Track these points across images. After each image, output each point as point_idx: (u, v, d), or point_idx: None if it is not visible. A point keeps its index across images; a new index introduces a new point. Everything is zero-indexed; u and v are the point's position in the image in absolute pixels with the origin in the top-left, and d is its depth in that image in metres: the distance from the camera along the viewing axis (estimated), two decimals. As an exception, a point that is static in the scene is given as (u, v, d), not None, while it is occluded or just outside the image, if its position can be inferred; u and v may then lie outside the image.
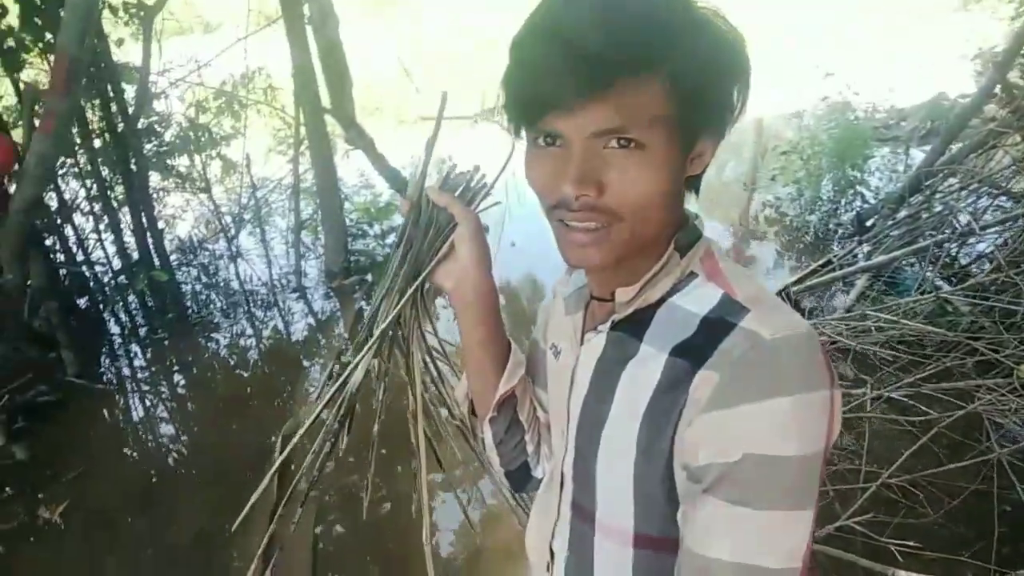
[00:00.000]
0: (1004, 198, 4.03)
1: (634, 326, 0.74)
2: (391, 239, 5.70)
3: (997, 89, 4.56)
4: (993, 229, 3.68)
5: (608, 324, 0.76)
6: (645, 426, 0.69)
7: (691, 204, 0.76)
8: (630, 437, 0.71)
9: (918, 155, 5.54)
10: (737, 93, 0.67)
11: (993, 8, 4.24)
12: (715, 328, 0.66)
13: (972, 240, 3.79)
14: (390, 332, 0.91)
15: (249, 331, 4.67)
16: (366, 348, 0.89)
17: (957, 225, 3.84)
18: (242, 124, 4.97)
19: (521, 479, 1.03)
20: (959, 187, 4.26)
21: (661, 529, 0.73)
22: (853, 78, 5.74)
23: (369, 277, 5.06)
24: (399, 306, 0.89)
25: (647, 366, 0.70)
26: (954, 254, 3.86)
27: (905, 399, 2.68)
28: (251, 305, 4.93)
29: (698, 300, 0.70)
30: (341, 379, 0.90)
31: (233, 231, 5.73)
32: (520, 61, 0.64)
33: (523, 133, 0.71)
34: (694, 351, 0.66)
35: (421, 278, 0.89)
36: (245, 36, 4.99)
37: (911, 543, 2.10)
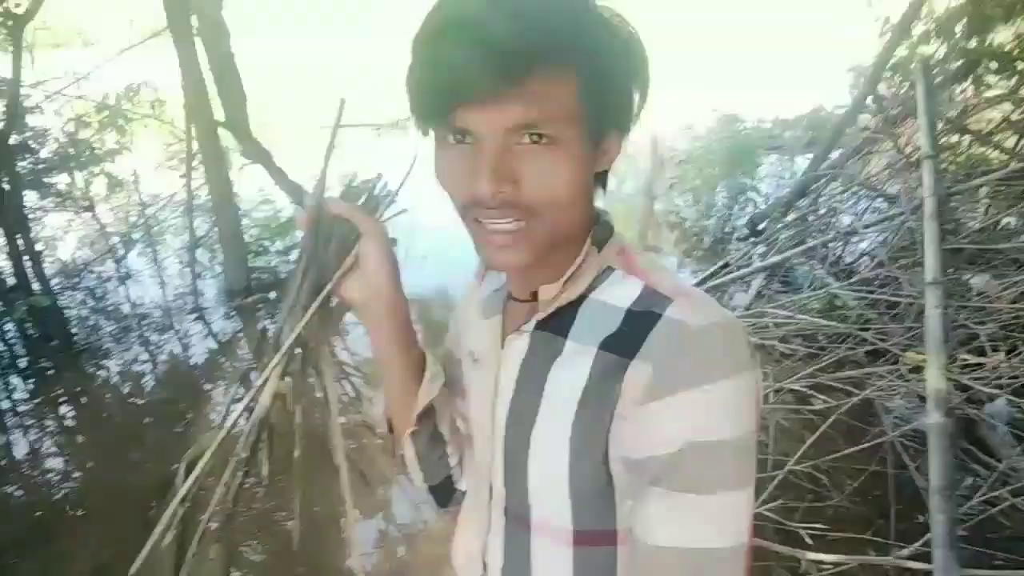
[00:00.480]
0: (881, 199, 4.33)
1: (557, 324, 0.73)
2: (294, 255, 5.51)
3: (869, 100, 4.93)
4: (873, 228, 3.94)
5: (532, 324, 0.75)
6: (578, 423, 0.69)
7: (598, 201, 0.76)
8: (562, 435, 0.70)
9: (803, 162, 5.89)
10: (638, 90, 0.68)
11: (865, 26, 4.56)
12: (641, 320, 0.66)
13: (855, 239, 4.05)
14: (297, 351, 0.88)
15: (143, 356, 4.40)
16: (270, 368, 0.85)
17: (841, 226, 4.09)
18: (128, 139, 4.70)
19: (445, 494, 1.00)
20: (841, 190, 4.55)
21: (599, 522, 0.73)
22: (740, 91, 6.06)
23: (272, 295, 4.88)
24: (303, 322, 0.84)
25: (575, 362, 0.70)
26: (840, 253, 4.10)
27: (804, 389, 2.81)
28: (144, 329, 4.65)
29: (619, 294, 0.71)
30: (246, 402, 0.86)
31: (122, 251, 5.40)
32: (427, 56, 0.62)
33: (431, 133, 0.68)
34: (623, 344, 0.66)
35: (325, 292, 0.85)
36: (128, 47, 4.73)
37: (818, 525, 2.20)
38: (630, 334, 0.66)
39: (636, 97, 0.69)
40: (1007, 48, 4.12)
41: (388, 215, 0.89)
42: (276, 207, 6.41)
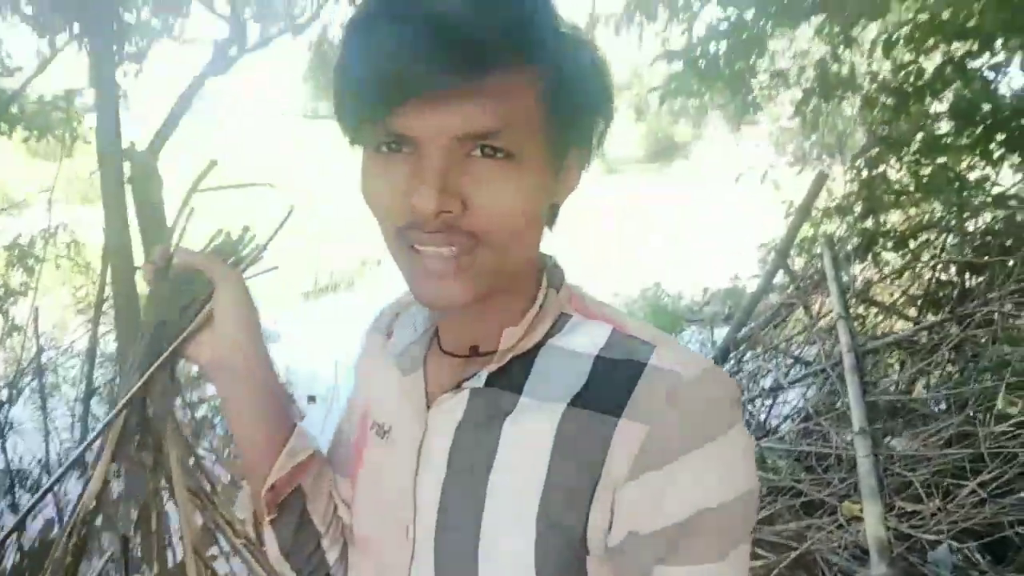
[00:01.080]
0: (800, 364, 4.46)
1: (506, 377, 0.62)
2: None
3: (781, 273, 5.25)
4: (798, 384, 4.01)
5: (481, 378, 0.62)
6: (547, 500, 0.58)
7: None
8: (527, 511, 0.58)
9: (721, 333, 6.10)
10: (603, 110, 0.60)
11: (774, 206, 4.98)
12: (620, 370, 0.58)
13: (779, 398, 4.09)
14: (134, 427, 0.73)
15: (8, 521, 3.86)
16: (87, 442, 0.72)
17: (764, 386, 4.15)
18: (35, 280, 4.45)
19: None
20: (762, 355, 4.67)
21: None
22: (661, 264, 6.39)
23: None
24: (135, 388, 0.70)
25: (534, 422, 0.59)
26: (766, 413, 4.12)
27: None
28: (17, 487, 4.14)
29: (582, 340, 0.62)
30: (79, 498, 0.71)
31: (5, 401, 4.92)
32: (361, 43, 0.52)
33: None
34: (601, 399, 0.57)
35: (166, 354, 0.71)
36: (51, 189, 4.62)
37: None
38: (608, 387, 0.57)
39: (601, 113, 0.60)
40: (900, 228, 4.51)
41: (254, 272, 0.78)
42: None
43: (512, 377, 0.62)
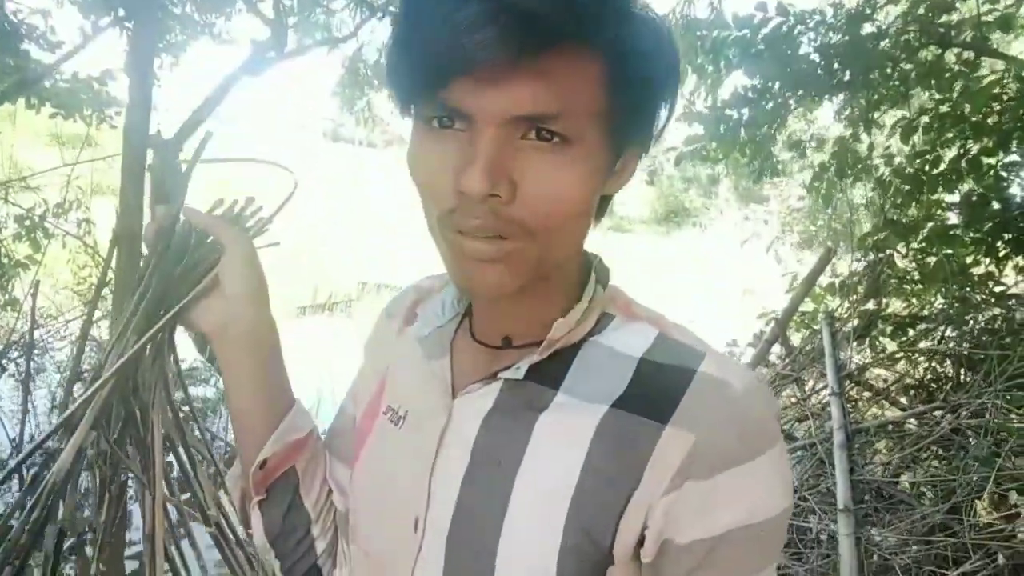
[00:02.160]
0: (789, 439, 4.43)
1: (543, 371, 0.59)
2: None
3: (777, 345, 5.25)
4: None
5: (515, 370, 0.59)
6: (580, 499, 0.55)
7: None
8: (555, 514, 0.56)
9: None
10: (667, 104, 0.57)
11: (774, 280, 5.00)
12: (667, 375, 0.56)
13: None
14: (125, 391, 0.69)
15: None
16: (73, 406, 0.64)
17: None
18: (40, 254, 4.44)
19: None
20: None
21: None
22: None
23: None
24: (129, 353, 0.66)
25: (572, 420, 0.57)
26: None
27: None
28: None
29: (626, 340, 0.60)
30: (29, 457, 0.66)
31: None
32: (422, 12, 0.49)
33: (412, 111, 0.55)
34: (647, 403, 0.55)
35: (169, 316, 0.68)
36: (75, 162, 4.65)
37: None
38: (654, 391, 0.56)
39: (666, 102, 0.56)
40: (900, 315, 4.53)
41: (257, 245, 0.75)
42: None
43: (550, 372, 0.59)
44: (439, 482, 0.61)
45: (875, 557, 2.64)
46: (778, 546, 0.57)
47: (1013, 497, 2.91)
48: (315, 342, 8.14)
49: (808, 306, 4.99)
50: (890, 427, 3.57)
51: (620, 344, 0.60)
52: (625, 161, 0.57)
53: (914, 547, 2.63)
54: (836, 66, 3.66)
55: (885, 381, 4.68)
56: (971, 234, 4.16)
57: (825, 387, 4.08)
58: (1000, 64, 3.94)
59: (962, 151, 4.15)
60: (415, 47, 0.50)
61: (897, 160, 4.37)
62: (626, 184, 0.59)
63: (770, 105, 3.65)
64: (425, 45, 0.48)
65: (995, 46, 4.05)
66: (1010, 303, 4.10)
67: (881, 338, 4.65)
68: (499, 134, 0.49)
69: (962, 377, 3.85)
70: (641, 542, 0.55)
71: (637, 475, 0.54)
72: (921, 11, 3.78)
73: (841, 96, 4.05)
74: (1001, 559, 2.35)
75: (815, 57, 3.71)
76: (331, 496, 0.77)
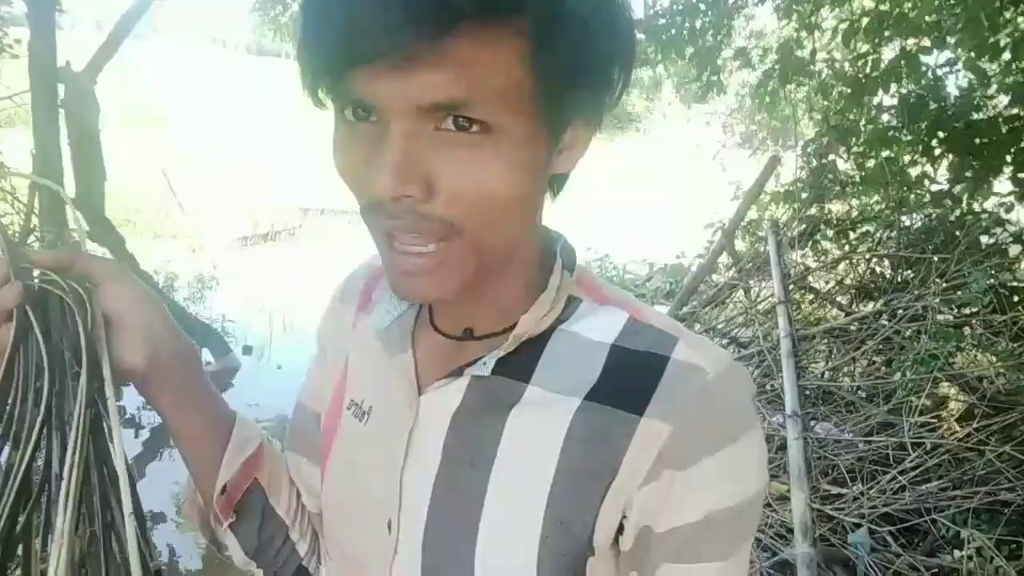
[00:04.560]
0: (735, 345, 4.58)
1: (511, 364, 0.56)
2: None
3: (724, 255, 5.36)
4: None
5: (481, 365, 0.56)
6: (557, 493, 0.54)
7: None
8: (532, 510, 0.54)
9: (662, 309, 6.22)
10: (618, 69, 0.51)
11: (721, 187, 5.04)
12: (640, 362, 0.54)
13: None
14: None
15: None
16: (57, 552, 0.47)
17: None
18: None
19: None
20: (701, 334, 4.78)
21: None
22: (609, 241, 6.45)
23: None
24: (76, 454, 0.50)
25: (544, 415, 0.55)
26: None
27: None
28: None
29: (596, 326, 0.57)
30: None
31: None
32: (320, 1, 0.45)
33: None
34: (621, 393, 0.53)
35: (108, 381, 0.55)
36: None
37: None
38: (627, 380, 0.54)
39: (614, 73, 0.51)
40: (841, 218, 4.64)
41: None
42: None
43: (519, 364, 0.57)
44: (411, 483, 0.60)
45: (821, 459, 2.78)
46: (755, 524, 0.57)
47: (949, 392, 3.09)
48: (261, 273, 7.96)
49: (752, 213, 5.06)
50: (835, 332, 3.70)
51: (590, 331, 0.57)
52: (574, 137, 0.52)
53: (859, 445, 2.78)
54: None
55: (827, 283, 4.84)
56: (907, 135, 4.23)
57: (771, 293, 4.21)
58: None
59: (902, 49, 4.16)
60: (315, 35, 0.46)
61: (838, 65, 4.36)
62: (580, 159, 0.55)
63: (711, 14, 3.55)
64: (324, 33, 0.45)
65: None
66: (944, 202, 4.24)
67: (823, 242, 4.78)
68: (408, 127, 0.45)
69: (899, 276, 4.00)
70: (620, 531, 0.55)
71: (614, 467, 0.53)
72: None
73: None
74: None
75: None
76: (302, 497, 0.74)
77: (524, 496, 0.55)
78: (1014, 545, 2.14)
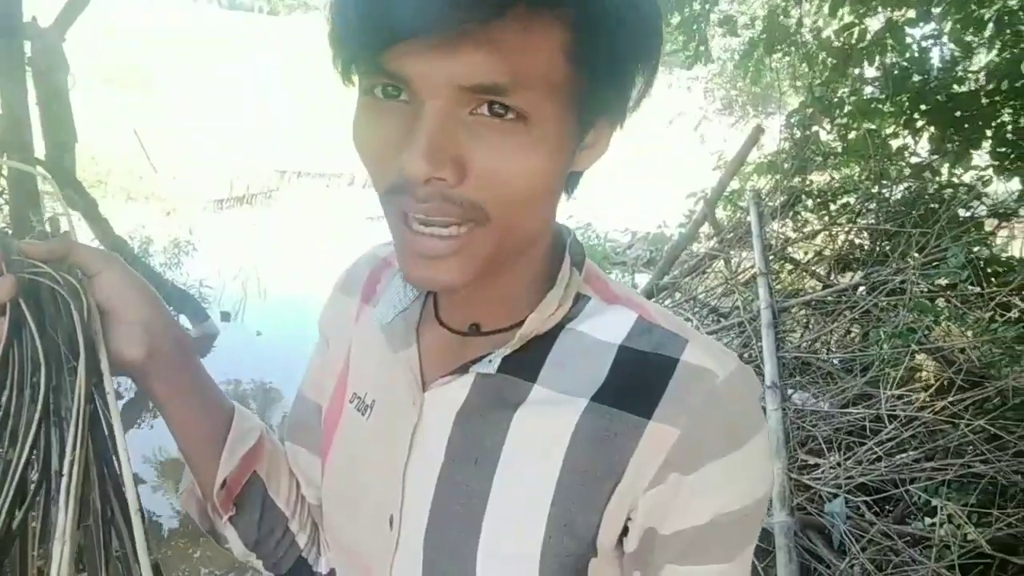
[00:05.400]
0: (715, 315, 4.62)
1: (518, 363, 0.56)
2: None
3: (706, 225, 5.38)
4: (712, 335, 4.15)
5: (487, 363, 0.55)
6: (562, 494, 0.54)
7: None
8: (537, 510, 0.54)
9: (642, 279, 6.24)
10: (644, 72, 0.50)
11: (705, 158, 5.03)
12: (648, 364, 0.54)
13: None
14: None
15: None
16: (62, 545, 0.46)
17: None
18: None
19: None
20: (681, 303, 4.81)
21: None
22: (591, 210, 6.43)
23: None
24: (77, 450, 0.49)
25: (550, 416, 0.55)
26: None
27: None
28: None
29: (604, 326, 0.56)
30: None
31: None
32: None
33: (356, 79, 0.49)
34: (629, 396, 0.53)
35: (107, 375, 0.54)
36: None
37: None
38: (635, 382, 0.53)
39: (639, 82, 0.51)
40: (823, 189, 4.66)
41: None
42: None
43: (525, 363, 0.56)
44: (413, 480, 0.59)
45: (799, 429, 2.83)
46: (759, 525, 0.57)
47: (925, 365, 3.15)
48: (237, 236, 7.85)
49: (734, 183, 5.07)
50: (814, 303, 3.74)
51: (598, 330, 0.56)
52: (597, 135, 0.52)
53: (837, 416, 2.83)
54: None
55: (806, 253, 4.89)
56: (890, 107, 4.24)
57: (751, 263, 4.24)
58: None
59: (888, 20, 4.15)
60: (357, 6, 0.44)
61: (824, 35, 4.34)
62: (599, 158, 0.54)
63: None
64: (368, 5, 0.44)
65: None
66: (924, 175, 4.28)
67: (804, 213, 4.81)
68: (445, 108, 0.44)
69: (878, 248, 4.04)
70: (624, 532, 0.55)
71: (620, 470, 0.53)
72: None
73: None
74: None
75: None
76: (301, 488, 0.74)
77: (528, 496, 0.55)
78: (985, 515, 2.20)
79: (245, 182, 9.80)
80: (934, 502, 2.27)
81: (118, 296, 0.57)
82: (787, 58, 4.66)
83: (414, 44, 0.42)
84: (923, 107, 4.20)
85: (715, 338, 4.12)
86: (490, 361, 0.55)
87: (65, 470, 0.49)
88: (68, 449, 0.49)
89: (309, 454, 0.72)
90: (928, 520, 2.33)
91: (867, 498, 2.38)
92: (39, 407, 0.50)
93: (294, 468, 0.74)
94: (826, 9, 4.08)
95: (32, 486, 0.49)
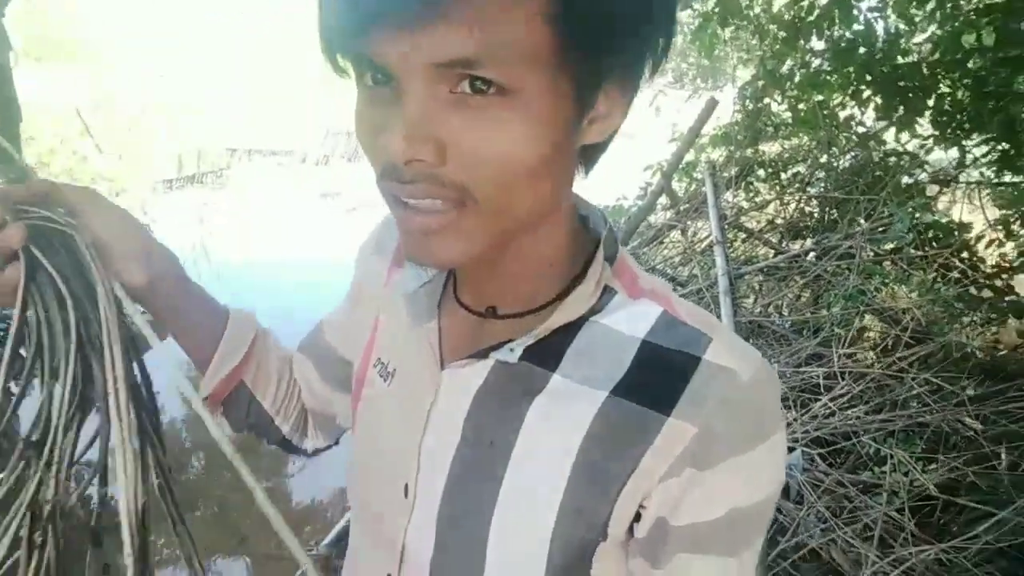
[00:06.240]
0: (675, 283, 4.74)
1: (538, 351, 0.55)
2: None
3: (663, 196, 5.48)
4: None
5: (507, 351, 0.55)
6: (576, 481, 0.54)
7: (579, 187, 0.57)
8: (550, 495, 0.55)
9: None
10: (654, 29, 0.47)
11: (660, 130, 5.11)
12: (670, 361, 0.53)
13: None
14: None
15: None
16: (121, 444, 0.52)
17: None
18: None
19: (290, 449, 0.83)
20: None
21: None
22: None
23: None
24: (122, 369, 0.54)
25: (567, 406, 0.55)
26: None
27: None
28: None
29: (628, 319, 0.56)
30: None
31: None
32: None
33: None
34: (649, 391, 0.53)
35: (126, 299, 0.59)
36: None
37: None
38: (656, 378, 0.53)
39: (652, 34, 0.48)
40: (773, 159, 4.80)
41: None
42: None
43: (546, 352, 0.56)
44: (429, 454, 0.60)
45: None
46: (768, 520, 0.57)
47: (873, 325, 3.31)
48: (188, 217, 7.68)
49: (689, 155, 5.17)
50: (767, 270, 3.88)
51: (621, 324, 0.56)
52: (610, 104, 0.49)
53: (791, 376, 2.96)
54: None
55: (758, 222, 5.04)
56: (837, 79, 4.38)
57: (707, 233, 4.36)
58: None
59: (835, -5, 4.26)
60: (330, 1, 0.45)
61: (776, 9, 4.45)
62: (615, 129, 0.52)
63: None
64: None
65: None
66: (870, 144, 4.44)
67: (756, 183, 4.95)
68: (422, 88, 0.44)
69: (828, 216, 4.20)
70: (636, 519, 0.55)
71: (635, 462, 0.53)
72: None
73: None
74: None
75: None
76: (292, 390, 0.80)
77: (541, 483, 0.55)
78: (930, 462, 2.35)
79: (195, 162, 9.56)
80: (883, 451, 2.41)
81: (108, 229, 0.60)
82: (739, 31, 4.75)
83: (385, 28, 0.42)
84: (868, 78, 4.34)
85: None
86: (511, 350, 0.55)
87: (110, 387, 0.54)
88: (109, 370, 0.54)
89: (315, 369, 0.78)
90: (878, 469, 2.47)
91: (821, 450, 2.51)
92: (73, 339, 0.54)
93: (298, 375, 0.79)
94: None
95: (76, 412, 0.53)
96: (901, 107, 4.03)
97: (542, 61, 0.43)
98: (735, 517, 0.53)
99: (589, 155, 0.54)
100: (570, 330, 0.56)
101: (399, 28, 0.42)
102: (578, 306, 0.55)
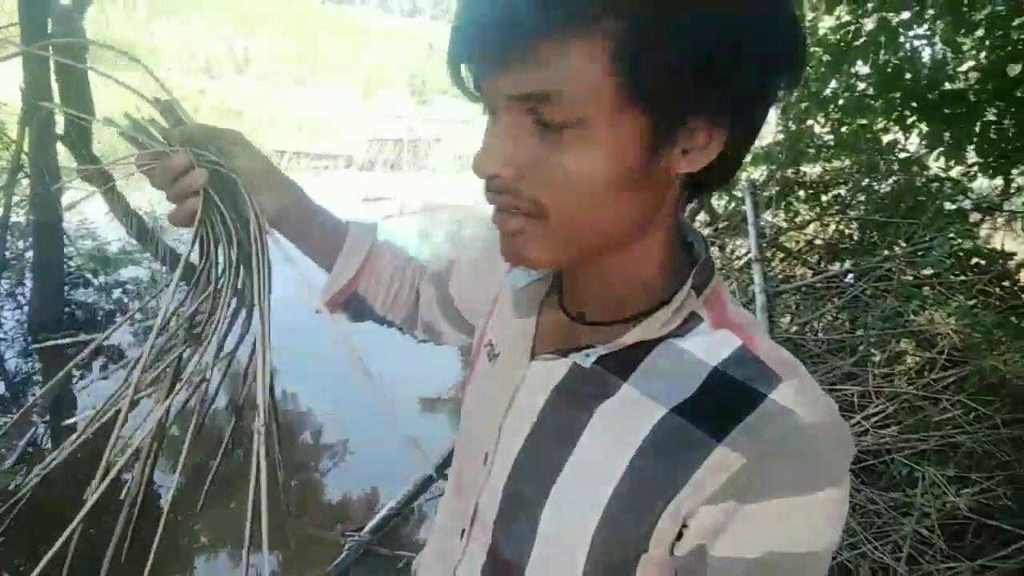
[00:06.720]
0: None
1: (614, 359, 0.59)
2: (118, 293, 5.00)
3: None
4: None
5: (584, 356, 0.59)
6: (624, 488, 0.57)
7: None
8: (597, 496, 0.58)
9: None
10: (746, 78, 0.49)
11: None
12: (735, 391, 0.55)
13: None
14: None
15: None
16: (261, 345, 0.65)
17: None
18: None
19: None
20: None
21: None
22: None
23: (83, 336, 4.33)
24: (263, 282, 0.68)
25: (630, 414, 0.58)
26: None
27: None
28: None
29: (707, 347, 0.58)
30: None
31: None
32: (456, 8, 0.53)
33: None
34: (707, 415, 0.55)
35: (265, 228, 0.71)
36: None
37: None
38: (717, 405, 0.55)
39: (753, 67, 0.49)
40: (815, 181, 4.84)
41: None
42: (100, 241, 5.73)
43: (621, 361, 0.59)
44: (507, 432, 0.67)
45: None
46: None
47: (909, 347, 3.33)
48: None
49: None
50: (804, 289, 3.91)
51: (699, 349, 0.58)
52: (706, 137, 0.52)
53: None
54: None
55: (797, 242, 5.06)
56: (882, 104, 4.40)
57: (746, 251, 4.40)
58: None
59: (881, 19, 4.30)
60: (450, 37, 0.54)
61: (821, 33, 4.50)
62: (711, 158, 0.53)
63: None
64: (451, 35, 0.53)
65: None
66: (913, 169, 4.46)
67: (796, 203, 4.98)
68: (504, 117, 0.52)
69: (867, 239, 4.22)
70: (679, 537, 0.57)
71: (681, 482, 0.54)
72: None
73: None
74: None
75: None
76: (403, 296, 0.92)
77: (592, 483, 0.59)
78: (963, 481, 2.39)
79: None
80: (916, 472, 2.45)
81: (251, 166, 0.73)
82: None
83: (478, 67, 0.52)
84: (913, 104, 4.36)
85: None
86: (587, 355, 0.59)
87: (257, 295, 0.67)
88: (258, 282, 0.68)
89: (435, 299, 0.91)
90: (910, 490, 2.51)
91: (854, 466, 2.56)
92: (233, 257, 0.68)
93: (422, 290, 0.92)
94: (823, 8, 4.22)
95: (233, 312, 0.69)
96: (947, 134, 4.04)
97: (607, 99, 0.48)
98: (772, 563, 0.52)
99: (698, 182, 0.57)
100: (647, 347, 0.59)
101: (488, 67, 0.52)
102: (656, 326, 0.58)
